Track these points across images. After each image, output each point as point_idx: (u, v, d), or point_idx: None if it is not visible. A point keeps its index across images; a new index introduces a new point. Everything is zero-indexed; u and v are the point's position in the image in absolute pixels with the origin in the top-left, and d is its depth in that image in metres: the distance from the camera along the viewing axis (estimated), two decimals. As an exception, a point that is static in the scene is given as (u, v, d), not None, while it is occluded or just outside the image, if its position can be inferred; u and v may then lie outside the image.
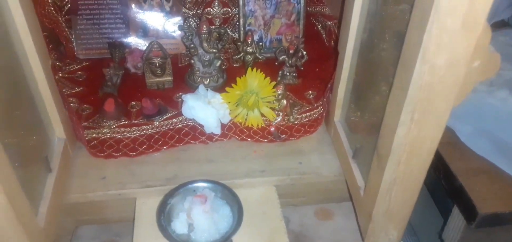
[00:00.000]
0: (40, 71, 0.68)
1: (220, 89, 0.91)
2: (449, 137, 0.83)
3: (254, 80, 0.84)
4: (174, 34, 1.04)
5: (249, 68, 0.85)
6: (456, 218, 0.79)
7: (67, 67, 0.98)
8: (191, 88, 0.92)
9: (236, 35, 1.07)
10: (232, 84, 0.84)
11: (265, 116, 0.85)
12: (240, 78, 0.84)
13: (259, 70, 0.85)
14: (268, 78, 0.84)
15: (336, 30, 1.01)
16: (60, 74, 0.94)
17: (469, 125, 0.85)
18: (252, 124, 0.85)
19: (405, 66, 0.49)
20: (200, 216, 0.65)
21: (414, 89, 0.48)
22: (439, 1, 0.42)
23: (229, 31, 1.06)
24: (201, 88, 0.85)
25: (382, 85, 0.65)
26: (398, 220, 0.64)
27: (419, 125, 0.51)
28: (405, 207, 0.62)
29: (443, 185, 0.82)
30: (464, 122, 0.84)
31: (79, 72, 0.98)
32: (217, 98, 0.84)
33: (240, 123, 0.86)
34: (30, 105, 0.69)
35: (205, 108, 0.82)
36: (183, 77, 0.96)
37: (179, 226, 0.66)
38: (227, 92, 0.84)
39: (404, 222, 0.64)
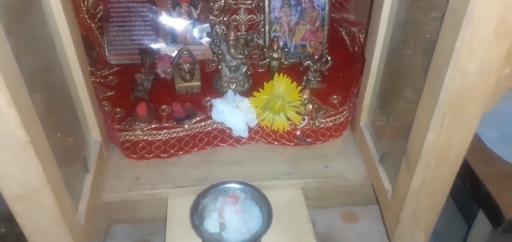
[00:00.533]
0: (79, 75, 0.71)
1: (246, 93, 0.93)
2: (475, 143, 0.83)
3: (281, 85, 0.86)
4: (202, 41, 1.07)
5: (276, 73, 0.87)
6: (482, 223, 0.79)
7: (99, 72, 1.01)
8: (218, 92, 0.95)
9: (261, 41, 1.09)
10: (260, 89, 0.86)
11: (291, 120, 0.87)
12: (266, 83, 0.86)
13: (285, 75, 0.87)
14: (294, 83, 0.86)
15: (359, 36, 1.03)
16: (93, 79, 0.97)
17: (495, 130, 0.85)
18: (278, 128, 0.87)
19: (436, 72, 0.51)
20: (232, 216, 0.67)
21: (445, 95, 0.50)
22: (472, 10, 0.43)
23: (254, 37, 1.09)
24: (230, 92, 0.88)
25: (409, 91, 0.66)
26: (425, 224, 0.65)
27: (449, 131, 0.53)
28: (432, 211, 0.63)
29: (469, 190, 0.82)
30: (490, 128, 0.85)
31: (111, 77, 1.01)
32: (245, 102, 0.86)
33: (267, 127, 0.88)
34: (70, 108, 0.72)
35: (233, 112, 0.84)
36: (211, 82, 0.99)
37: (211, 225, 0.68)
38: (255, 96, 0.86)
39: (431, 226, 0.65)
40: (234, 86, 0.96)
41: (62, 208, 0.57)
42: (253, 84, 0.98)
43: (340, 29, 1.11)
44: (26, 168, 0.50)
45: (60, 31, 0.65)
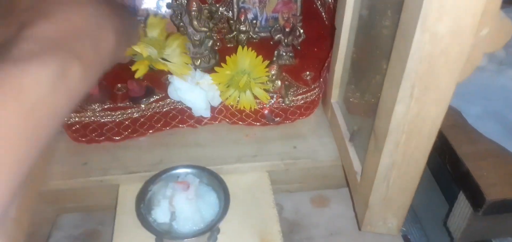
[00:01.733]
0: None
1: (212, 70, 0.85)
2: (455, 119, 0.77)
3: (245, 59, 0.79)
4: (164, 13, 0.98)
5: (240, 47, 0.79)
6: (462, 204, 0.74)
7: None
8: (181, 68, 0.87)
9: (230, 14, 1.01)
10: (222, 64, 0.79)
11: (258, 98, 0.80)
12: (230, 57, 0.79)
13: (250, 48, 0.79)
14: (260, 56, 0.79)
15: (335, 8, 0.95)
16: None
17: (477, 106, 0.79)
18: (244, 107, 0.80)
19: (403, 35, 0.44)
20: (183, 204, 0.60)
21: (414, 61, 0.43)
22: (441, -44, 0.36)
23: (222, 9, 1.01)
24: (189, 68, 0.80)
25: (382, 63, 0.59)
26: (398, 207, 0.58)
27: (420, 102, 0.46)
28: (405, 193, 0.56)
29: (449, 170, 0.76)
30: (471, 103, 0.78)
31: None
32: (206, 78, 0.78)
33: (231, 106, 0.81)
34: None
35: (192, 90, 0.77)
36: (173, 58, 0.91)
37: (160, 214, 0.61)
38: (216, 72, 0.79)
39: (404, 210, 0.59)
40: (198, 62, 0.89)
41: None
42: (221, 59, 0.90)
43: (315, 0, 1.04)
44: None
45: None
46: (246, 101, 0.80)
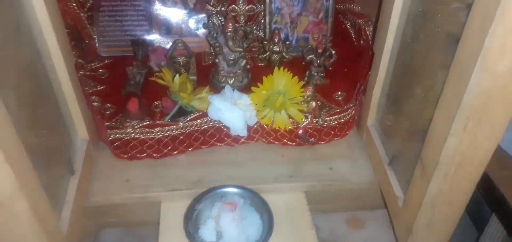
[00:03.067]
0: (63, 70, 0.66)
1: (244, 89, 0.87)
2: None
3: (281, 79, 0.80)
4: (198, 32, 1.01)
5: (276, 67, 0.81)
6: (494, 228, 0.75)
7: (89, 65, 0.96)
8: (216, 87, 0.89)
9: (260, 34, 1.04)
10: (258, 84, 0.80)
11: (292, 118, 0.82)
12: (266, 77, 0.80)
13: (286, 69, 0.81)
14: (296, 77, 0.81)
15: (366, 29, 0.97)
16: (82, 72, 0.92)
17: (509, 131, 0.79)
18: (279, 127, 0.82)
19: (459, 71, 0.45)
20: (230, 224, 0.62)
21: (470, 97, 0.44)
22: (506, 1, 0.37)
23: (254, 29, 1.03)
24: (227, 88, 0.82)
25: (424, 90, 0.61)
26: (440, 234, 0.60)
27: (472, 135, 0.47)
28: (448, 221, 0.58)
29: (482, 194, 0.77)
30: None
31: (101, 70, 0.95)
32: (244, 99, 0.80)
33: (267, 126, 0.83)
34: (52, 105, 0.66)
35: (231, 110, 0.78)
36: (207, 76, 0.93)
37: (207, 233, 0.63)
38: (253, 92, 0.81)
39: (447, 236, 0.60)
40: (232, 81, 0.90)
41: (40, 216, 0.52)
42: (252, 79, 0.92)
43: (345, 21, 1.05)
44: (-3, 175, 0.45)
45: (40, 20, 0.59)
46: (281, 120, 0.81)
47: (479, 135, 0.47)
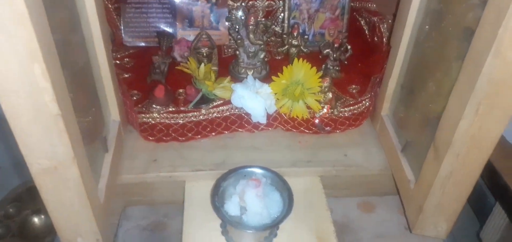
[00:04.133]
0: (103, 54, 0.71)
1: (262, 81, 0.92)
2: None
3: (300, 70, 0.85)
4: (219, 26, 1.06)
5: (295, 58, 0.86)
6: (497, 217, 0.79)
7: (116, 54, 1.01)
8: (235, 78, 0.94)
9: (278, 28, 1.08)
10: (278, 73, 0.85)
11: (310, 108, 0.86)
12: (286, 67, 0.85)
13: (305, 60, 0.86)
14: (314, 68, 0.85)
15: (380, 26, 1.02)
16: (109, 60, 0.97)
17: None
18: (297, 115, 0.86)
19: (474, 59, 0.50)
20: (253, 200, 0.67)
21: (482, 83, 0.49)
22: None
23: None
24: (250, 78, 0.87)
25: (437, 82, 0.65)
26: (450, 213, 0.64)
27: (483, 119, 0.52)
28: (458, 200, 0.62)
29: (485, 182, 0.82)
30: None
31: (127, 59, 1.00)
32: (265, 88, 0.85)
33: (285, 114, 0.87)
34: (92, 87, 0.71)
35: (253, 98, 0.83)
36: (227, 68, 0.98)
37: (232, 208, 0.67)
38: (273, 81, 0.85)
39: (455, 216, 0.65)
40: (251, 72, 0.95)
41: (86, 184, 0.57)
42: (270, 71, 0.97)
43: (360, 19, 1.10)
44: (55, 141, 0.50)
45: (87, 7, 0.65)
46: (299, 110, 0.86)
47: (489, 119, 0.52)
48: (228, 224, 0.65)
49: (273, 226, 0.66)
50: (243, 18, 0.98)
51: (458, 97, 0.54)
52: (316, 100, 0.86)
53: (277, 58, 1.05)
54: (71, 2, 0.62)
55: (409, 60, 0.75)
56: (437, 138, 0.59)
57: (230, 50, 1.05)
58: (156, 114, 0.84)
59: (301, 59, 0.86)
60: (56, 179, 0.53)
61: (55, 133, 0.49)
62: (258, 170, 0.72)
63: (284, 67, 0.85)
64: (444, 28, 0.63)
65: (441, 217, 0.65)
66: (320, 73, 0.86)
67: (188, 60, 0.90)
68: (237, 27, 0.95)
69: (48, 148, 0.50)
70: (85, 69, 0.68)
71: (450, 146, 0.55)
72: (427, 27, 0.68)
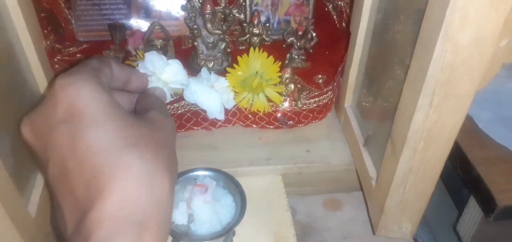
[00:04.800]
0: (33, 53, 0.64)
1: (224, 72, 0.86)
2: (467, 124, 0.77)
3: (257, 60, 0.79)
4: (177, 15, 0.99)
5: (252, 49, 0.80)
6: (473, 210, 0.75)
7: (67, 50, 0.94)
8: (195, 71, 0.88)
9: (242, 16, 1.02)
10: (234, 64, 0.80)
11: (271, 101, 0.81)
12: (241, 57, 0.79)
13: (261, 50, 0.80)
14: (271, 57, 0.80)
15: (347, 11, 0.96)
16: (59, 57, 0.91)
17: (488, 111, 0.79)
18: (258, 110, 0.81)
19: (424, 44, 0.45)
20: (201, 207, 0.61)
21: (434, 70, 0.44)
22: (466, -31, 0.37)
23: (234, 11, 1.01)
24: (203, 71, 0.80)
25: (397, 69, 0.60)
26: (413, 212, 0.59)
27: (439, 110, 0.47)
28: (420, 199, 0.57)
29: (459, 175, 0.77)
30: (482, 108, 0.79)
31: (79, 55, 0.94)
32: (221, 82, 0.79)
33: (245, 109, 0.82)
34: (22, 88, 0.65)
35: (208, 92, 0.77)
36: (187, 60, 0.92)
37: (178, 216, 0.62)
38: (229, 72, 0.80)
39: (419, 215, 0.60)
40: (211, 65, 0.89)
41: (4, 200, 0.51)
42: (233, 62, 0.91)
43: (327, 4, 1.04)
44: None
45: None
46: (260, 103, 0.80)
47: (445, 109, 0.46)
48: (170, 235, 0.59)
49: (223, 234, 0.61)
50: (200, 5, 0.91)
51: (411, 88, 0.48)
52: (277, 92, 0.80)
53: (241, 48, 0.99)
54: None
55: (369, 46, 0.69)
56: (393, 133, 0.54)
57: (190, 41, 0.99)
58: (106, 114, 0.78)
59: (257, 49, 0.80)
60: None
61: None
62: (207, 173, 0.67)
63: (238, 57, 0.79)
64: (398, 11, 0.57)
65: (404, 217, 0.60)
66: (279, 63, 0.80)
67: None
68: (193, 16, 0.89)
69: None
70: (10, 71, 0.61)
71: (406, 141, 0.50)
72: (383, 10, 0.62)
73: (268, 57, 0.79)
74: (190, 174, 0.67)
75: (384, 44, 0.65)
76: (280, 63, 0.80)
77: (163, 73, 0.61)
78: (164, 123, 0.46)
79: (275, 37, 0.98)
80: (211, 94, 0.78)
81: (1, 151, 0.51)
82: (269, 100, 0.81)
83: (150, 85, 0.60)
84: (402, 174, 0.54)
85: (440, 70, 0.43)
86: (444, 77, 0.44)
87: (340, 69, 0.81)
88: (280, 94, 0.81)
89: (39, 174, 0.65)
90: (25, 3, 0.62)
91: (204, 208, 0.61)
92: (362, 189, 0.71)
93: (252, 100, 0.80)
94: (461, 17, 0.40)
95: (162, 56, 0.62)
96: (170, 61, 0.63)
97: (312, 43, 0.92)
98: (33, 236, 0.58)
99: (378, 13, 0.65)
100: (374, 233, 0.64)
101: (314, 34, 0.91)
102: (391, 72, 0.62)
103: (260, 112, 0.81)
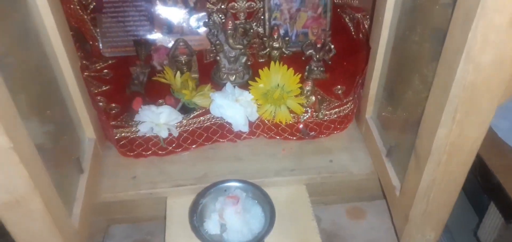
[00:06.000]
0: (69, 71, 0.68)
1: (246, 85, 0.89)
2: (486, 133, 0.80)
3: (278, 73, 0.83)
4: (199, 30, 1.03)
5: (272, 62, 0.83)
6: (493, 216, 0.76)
7: (94, 66, 0.98)
8: (218, 84, 0.91)
9: (261, 30, 1.06)
10: (256, 78, 0.83)
11: (293, 112, 0.84)
12: (262, 70, 0.83)
13: (281, 63, 0.83)
14: (291, 69, 0.83)
15: (364, 23, 0.99)
16: (86, 73, 0.95)
17: (507, 120, 0.81)
18: (280, 121, 0.84)
19: (447, 65, 0.47)
20: (233, 217, 0.65)
21: (457, 89, 0.46)
22: (487, -2, 0.39)
23: (254, 26, 1.05)
24: (228, 85, 0.84)
25: (418, 81, 0.63)
26: (436, 222, 0.62)
27: (461, 126, 0.49)
28: (444, 208, 0.60)
29: (479, 182, 0.79)
30: (501, 117, 0.81)
31: (106, 70, 0.98)
32: (245, 95, 0.83)
33: (268, 121, 0.85)
34: (60, 106, 0.69)
35: (233, 106, 0.81)
36: (209, 74, 0.96)
37: (211, 226, 0.65)
38: (251, 85, 0.83)
39: (442, 224, 0.62)
40: (233, 78, 0.93)
41: (53, 213, 0.54)
42: (253, 75, 0.94)
43: (344, 16, 1.07)
44: (11, 175, 0.47)
45: (46, 25, 0.62)
46: (282, 114, 0.83)
47: (467, 125, 0.49)
48: (205, 244, 0.63)
49: (254, 243, 0.64)
50: (222, 21, 0.95)
51: (435, 104, 0.51)
52: (298, 103, 0.83)
53: (261, 61, 1.02)
54: (27, 22, 0.60)
55: (389, 60, 0.72)
56: (417, 146, 0.57)
57: (211, 55, 1.02)
58: (135, 128, 0.82)
59: (277, 62, 0.83)
60: (20, 212, 0.51)
61: (9, 166, 0.46)
62: (237, 184, 0.70)
63: (260, 71, 0.83)
64: (418, 28, 0.60)
65: (427, 226, 0.62)
66: (299, 75, 0.83)
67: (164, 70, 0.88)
68: (216, 31, 0.92)
69: (5, 182, 0.48)
70: (50, 89, 0.65)
71: (430, 154, 0.53)
72: (403, 26, 0.65)
73: (288, 69, 0.82)
74: (221, 185, 0.70)
75: (404, 58, 0.67)
76: (300, 75, 0.83)
77: (160, 118, 0.78)
78: None
79: (294, 50, 1.01)
80: (236, 107, 0.82)
81: (48, 167, 0.55)
82: (291, 111, 0.84)
83: (150, 131, 0.79)
84: (426, 185, 0.56)
85: (462, 89, 0.46)
86: (466, 95, 0.46)
87: (360, 80, 0.84)
88: (302, 105, 0.84)
89: (80, 186, 0.69)
90: (63, 26, 0.66)
91: (236, 218, 0.65)
92: (385, 198, 0.74)
93: (275, 112, 0.84)
94: (482, 40, 0.42)
95: (152, 106, 0.80)
96: (160, 108, 0.80)
97: (330, 55, 0.94)
98: (76, 246, 0.62)
99: (398, 28, 0.68)
100: (398, 240, 0.66)
101: (332, 46, 0.94)
102: (412, 85, 0.65)
103: (282, 123, 0.84)
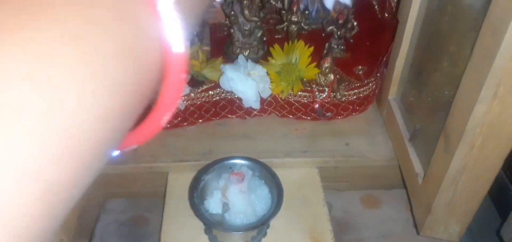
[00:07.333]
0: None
1: (260, 61, 0.84)
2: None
3: (296, 50, 0.77)
4: (214, 2, 0.97)
5: (285, 44, 0.77)
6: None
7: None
8: (230, 59, 0.85)
9: (278, 4, 0.99)
10: (271, 49, 0.77)
11: (308, 91, 0.77)
12: (275, 47, 0.79)
13: (303, 41, 0.77)
14: (308, 47, 0.77)
15: (390, 0, 0.91)
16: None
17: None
18: (295, 93, 0.77)
19: (491, 31, 0.40)
20: (236, 196, 0.59)
21: (502, 58, 0.39)
22: None
23: (272, -1, 0.98)
24: (240, 58, 0.78)
25: (451, 59, 0.56)
26: (463, 213, 0.55)
27: (503, 103, 0.42)
28: (473, 199, 0.53)
29: (507, 175, 0.72)
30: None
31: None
32: (258, 69, 0.77)
33: (281, 99, 0.79)
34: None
35: (244, 80, 0.75)
36: (222, 48, 0.90)
37: (213, 205, 0.60)
38: (265, 61, 0.77)
39: (470, 216, 0.56)
40: (247, 53, 0.87)
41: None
42: (269, 50, 0.88)
43: (368, -7, 1.00)
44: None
45: None
46: (297, 85, 0.77)
47: (510, 103, 0.42)
48: (204, 223, 0.57)
49: (257, 226, 0.58)
50: (237, -8, 0.89)
51: (473, 77, 0.44)
52: (316, 82, 0.77)
53: (277, 36, 0.96)
54: None
55: (418, 36, 0.65)
56: (447, 126, 0.50)
57: (225, 28, 0.96)
58: (139, 99, 0.77)
59: (295, 41, 0.77)
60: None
61: None
62: (243, 162, 0.64)
63: (276, 45, 0.77)
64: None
65: (452, 218, 0.55)
66: (312, 48, 0.76)
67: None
68: (231, 2, 0.86)
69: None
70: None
71: (463, 135, 0.46)
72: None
73: (306, 46, 0.76)
74: (226, 162, 0.64)
75: (436, 33, 0.60)
76: (313, 47, 0.76)
77: None
78: None
79: (314, 26, 0.94)
80: (248, 82, 0.76)
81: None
82: (305, 90, 0.77)
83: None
84: (455, 171, 0.50)
85: (509, 59, 0.39)
86: (513, 66, 0.40)
87: (384, 60, 0.77)
88: (319, 84, 0.77)
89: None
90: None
91: (240, 198, 0.59)
92: (405, 187, 0.67)
93: (292, 90, 0.77)
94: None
95: None
96: None
97: (352, 33, 0.87)
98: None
99: (429, 1, 0.61)
100: (418, 233, 0.60)
101: (355, 23, 0.87)
102: (442, 64, 0.58)
103: (294, 93, 0.77)
